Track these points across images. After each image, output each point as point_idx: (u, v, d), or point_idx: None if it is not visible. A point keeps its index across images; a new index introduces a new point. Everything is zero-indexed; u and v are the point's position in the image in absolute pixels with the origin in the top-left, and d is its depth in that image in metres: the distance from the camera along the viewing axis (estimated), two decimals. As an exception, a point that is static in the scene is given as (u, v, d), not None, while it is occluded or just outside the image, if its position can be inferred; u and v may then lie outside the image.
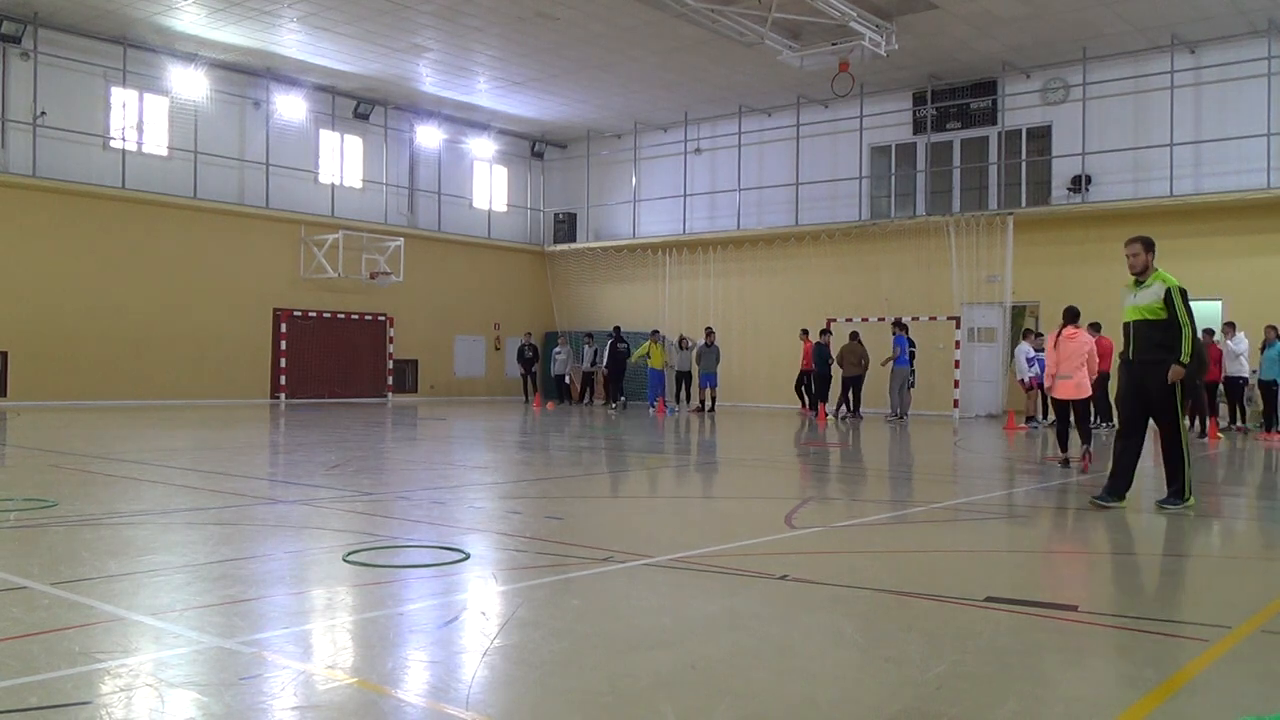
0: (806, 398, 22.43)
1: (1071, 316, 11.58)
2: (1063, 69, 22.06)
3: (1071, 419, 11.78)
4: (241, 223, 23.70)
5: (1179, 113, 20.47)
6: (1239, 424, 18.00)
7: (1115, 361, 11.36)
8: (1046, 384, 12.10)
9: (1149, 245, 8.04)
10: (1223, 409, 18.64)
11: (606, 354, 25.18)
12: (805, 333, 22.70)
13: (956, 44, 21.03)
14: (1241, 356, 17.40)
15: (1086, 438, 11.68)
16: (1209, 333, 18.07)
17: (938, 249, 23.05)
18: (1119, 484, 7.95)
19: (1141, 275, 8.02)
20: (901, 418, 20.53)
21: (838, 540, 6.61)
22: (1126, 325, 8.09)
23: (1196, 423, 17.01)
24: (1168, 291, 7.84)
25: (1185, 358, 7.78)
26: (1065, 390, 11.50)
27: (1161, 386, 7.80)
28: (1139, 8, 18.88)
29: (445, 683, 3.48)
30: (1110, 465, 8.14)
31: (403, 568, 5.43)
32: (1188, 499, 7.87)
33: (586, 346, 27.13)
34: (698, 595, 4.85)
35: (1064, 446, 11.82)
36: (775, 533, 6.75)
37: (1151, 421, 8.01)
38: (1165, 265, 8.44)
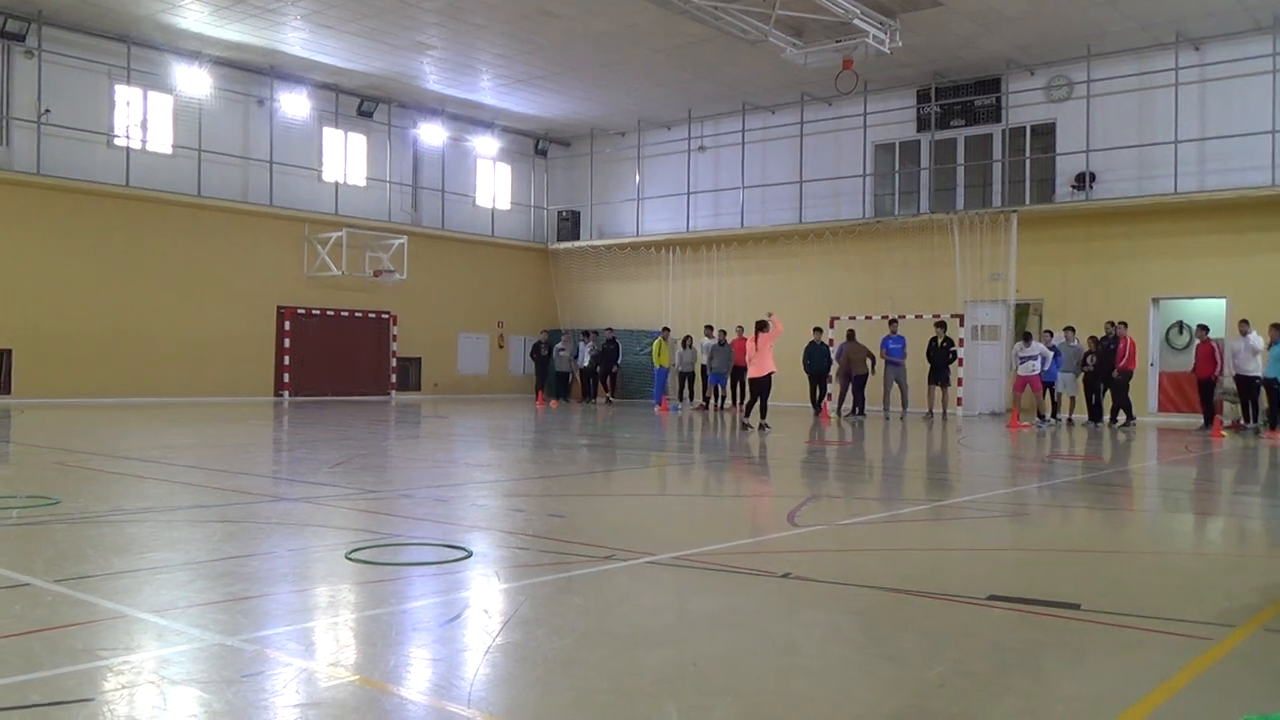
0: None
1: (761, 327, 16.49)
2: (1067, 66, 22.00)
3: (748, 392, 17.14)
4: (245, 220, 23.71)
5: (1184, 110, 20.40)
6: (1248, 422, 17.89)
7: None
8: (752, 371, 16.67)
9: None
10: (1227, 407, 18.58)
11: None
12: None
13: (961, 41, 20.98)
14: (1259, 355, 17.25)
15: (750, 409, 16.82)
16: (1203, 329, 18.33)
17: (941, 247, 23.01)
18: None
19: None
20: (886, 415, 20.87)
21: (840, 538, 6.60)
22: None
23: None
24: None
25: None
26: (757, 372, 16.67)
27: None
28: (1143, 4, 18.82)
29: (447, 680, 3.48)
30: None
31: (405, 565, 5.44)
32: None
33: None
34: (700, 593, 4.86)
35: (748, 413, 16.83)
36: (778, 531, 6.75)
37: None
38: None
